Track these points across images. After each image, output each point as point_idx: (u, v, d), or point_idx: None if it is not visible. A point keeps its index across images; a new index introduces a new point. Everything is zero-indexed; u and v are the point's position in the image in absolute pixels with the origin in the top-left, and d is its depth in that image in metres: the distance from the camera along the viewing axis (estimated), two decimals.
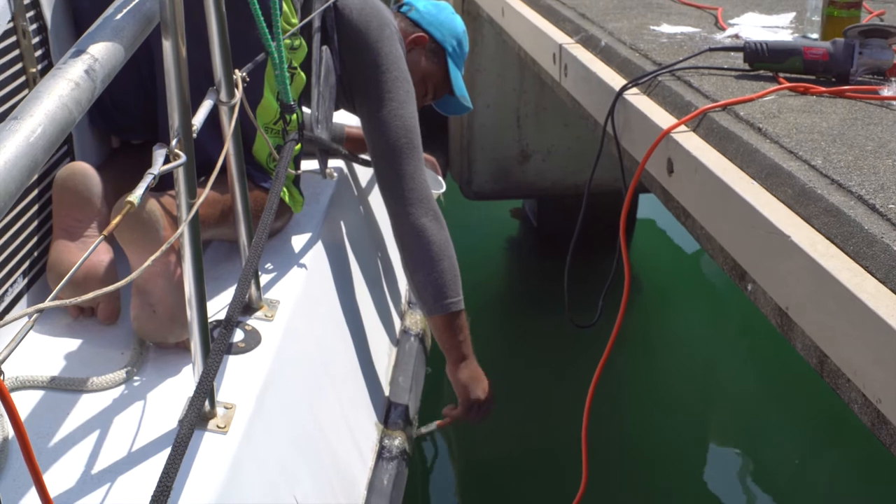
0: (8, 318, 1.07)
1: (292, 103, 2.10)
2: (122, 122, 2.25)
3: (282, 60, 1.98)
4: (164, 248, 1.29)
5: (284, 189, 2.24)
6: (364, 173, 2.99)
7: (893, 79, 2.26)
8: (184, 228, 1.52)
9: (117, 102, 2.19)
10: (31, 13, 2.00)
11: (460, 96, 2.82)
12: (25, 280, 1.91)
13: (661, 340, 4.84)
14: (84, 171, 1.92)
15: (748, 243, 1.70)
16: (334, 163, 2.76)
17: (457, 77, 2.79)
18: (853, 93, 2.15)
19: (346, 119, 3.05)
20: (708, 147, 1.94)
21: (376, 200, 2.95)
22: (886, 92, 2.14)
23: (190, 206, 1.53)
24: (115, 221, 1.21)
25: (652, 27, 2.90)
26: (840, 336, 1.41)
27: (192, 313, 1.60)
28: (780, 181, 1.70)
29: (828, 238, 1.52)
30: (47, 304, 1.08)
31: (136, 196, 1.25)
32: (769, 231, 1.59)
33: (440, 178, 2.95)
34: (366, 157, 2.67)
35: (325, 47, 2.36)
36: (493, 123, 5.21)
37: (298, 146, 2.24)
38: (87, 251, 1.18)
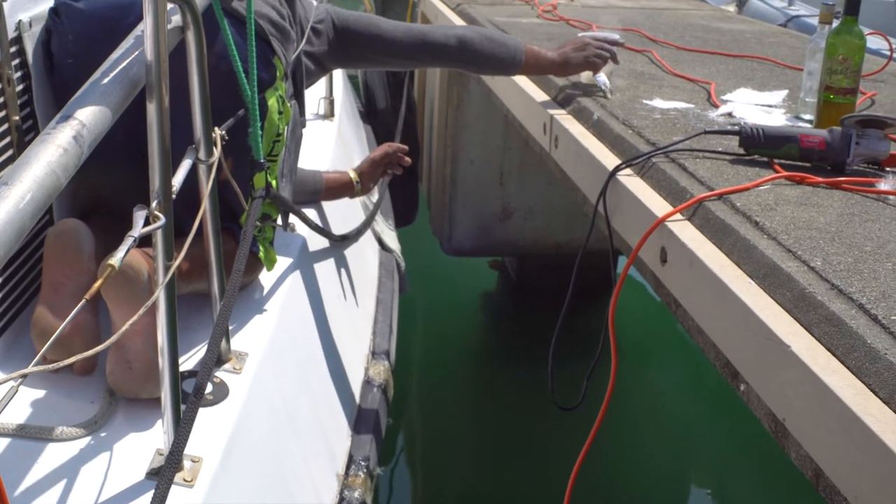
0: None
1: (262, 161, 2.10)
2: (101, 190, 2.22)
3: (255, 117, 2.00)
4: (140, 312, 1.31)
5: (262, 247, 2.25)
6: (333, 223, 2.97)
7: (889, 170, 2.24)
8: (160, 293, 1.53)
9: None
10: (16, 61, 2.00)
11: None
12: None
13: (640, 398, 4.81)
14: (77, 227, 1.92)
15: (743, 344, 1.66)
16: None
17: None
18: (849, 184, 2.12)
19: (323, 159, 3.11)
20: (704, 239, 1.90)
21: (344, 252, 2.95)
22: (883, 185, 2.12)
23: (167, 269, 1.53)
24: (97, 285, 1.23)
25: (645, 101, 2.87)
26: (841, 456, 1.36)
27: (163, 368, 1.61)
28: (779, 283, 1.66)
29: (829, 350, 1.47)
30: (31, 369, 1.12)
31: (116, 259, 1.26)
32: (767, 337, 1.55)
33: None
34: (322, 223, 2.77)
35: (294, 101, 2.36)
36: (475, 180, 5.18)
37: (276, 213, 2.28)
38: (71, 313, 1.20)
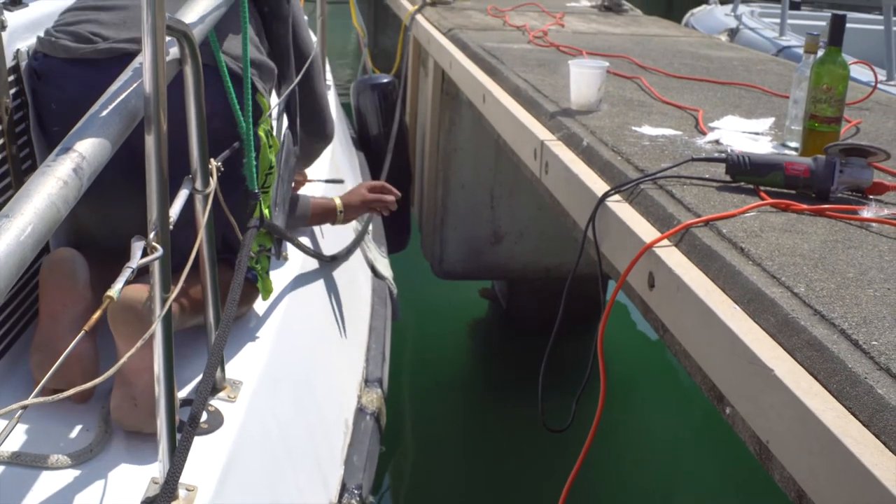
0: None
1: (257, 191, 2.13)
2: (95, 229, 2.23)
3: (250, 148, 2.03)
4: (138, 345, 1.32)
5: (259, 277, 2.27)
6: (326, 249, 3.00)
7: (872, 197, 2.28)
8: (157, 326, 1.54)
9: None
10: (13, 90, 2.02)
11: None
12: None
13: (628, 420, 4.83)
14: (72, 257, 1.93)
15: (728, 368, 1.69)
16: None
17: None
18: (833, 212, 2.17)
19: (316, 187, 3.15)
20: (690, 265, 1.94)
21: (337, 279, 2.97)
22: (866, 213, 2.16)
23: (164, 301, 1.54)
24: (95, 316, 1.24)
25: (633, 127, 2.91)
26: (822, 478, 1.39)
27: (159, 397, 1.62)
28: (763, 308, 1.70)
29: (811, 374, 1.51)
30: (31, 400, 1.15)
31: (115, 291, 1.27)
32: (751, 361, 1.58)
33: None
34: (314, 248, 2.80)
35: (287, 131, 2.39)
36: (466, 203, 5.23)
37: (270, 242, 2.30)
38: (69, 341, 1.24)
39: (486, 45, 4.52)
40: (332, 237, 3.12)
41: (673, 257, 1.99)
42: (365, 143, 4.85)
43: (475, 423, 4.88)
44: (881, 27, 5.94)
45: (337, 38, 12.46)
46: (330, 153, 3.68)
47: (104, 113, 1.41)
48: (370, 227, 3.65)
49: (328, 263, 2.95)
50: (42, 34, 2.11)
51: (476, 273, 5.46)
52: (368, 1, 10.87)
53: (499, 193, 5.26)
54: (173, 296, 1.53)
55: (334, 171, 3.64)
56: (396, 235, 4.55)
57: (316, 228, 2.99)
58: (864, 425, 1.38)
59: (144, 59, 1.44)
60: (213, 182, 1.80)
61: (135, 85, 1.49)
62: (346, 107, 5.16)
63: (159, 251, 1.45)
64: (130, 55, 1.77)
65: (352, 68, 12.08)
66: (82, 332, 1.23)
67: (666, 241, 2.05)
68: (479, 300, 5.93)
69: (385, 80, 4.87)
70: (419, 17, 5.80)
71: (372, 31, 10.28)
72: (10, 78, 2.00)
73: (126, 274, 1.32)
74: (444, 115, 5.16)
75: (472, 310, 5.93)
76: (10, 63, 2.00)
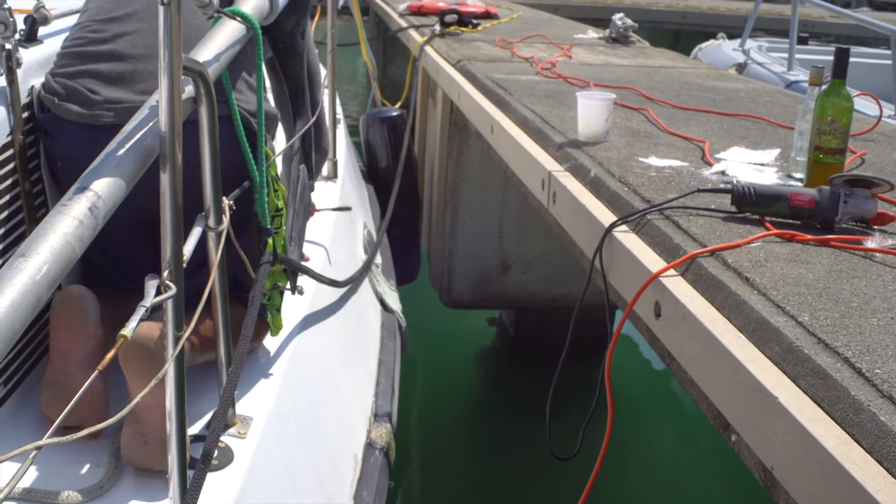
0: (7, 455, 1.10)
1: (269, 227, 2.14)
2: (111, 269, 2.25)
3: (262, 184, 2.04)
4: (151, 384, 1.32)
5: (270, 314, 2.28)
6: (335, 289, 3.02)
7: (877, 228, 2.30)
8: (169, 366, 1.54)
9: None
10: (27, 126, 2.04)
11: None
12: (7, 387, 1.95)
13: (635, 448, 4.83)
14: (82, 294, 1.94)
15: (734, 396, 1.71)
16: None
17: None
18: (838, 242, 2.19)
19: (326, 221, 3.15)
20: (696, 294, 1.96)
21: (346, 314, 2.98)
22: (870, 243, 2.18)
23: (177, 339, 1.54)
24: (109, 356, 1.24)
25: (640, 158, 2.94)
26: None
27: (171, 434, 1.61)
28: (768, 337, 1.72)
29: (815, 401, 1.54)
30: (45, 441, 1.14)
31: (129, 330, 1.27)
32: (756, 389, 1.61)
33: None
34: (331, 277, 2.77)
35: (302, 166, 2.39)
36: (474, 233, 5.26)
37: (284, 281, 2.31)
38: (79, 378, 1.22)
39: (494, 76, 4.56)
40: (341, 268, 3.13)
41: (679, 287, 2.01)
42: (374, 175, 4.89)
43: (484, 455, 4.87)
44: (890, 62, 5.96)
45: (346, 67, 12.55)
46: (339, 186, 3.71)
47: (120, 152, 1.42)
48: (378, 258, 3.67)
49: (337, 298, 2.96)
50: (44, 80, 2.11)
51: (484, 302, 5.49)
52: (378, 36, 10.97)
53: (507, 223, 5.29)
54: (186, 334, 1.53)
55: (343, 203, 3.67)
56: (406, 267, 4.58)
57: (326, 263, 3.00)
58: (867, 451, 1.40)
59: (160, 98, 1.44)
60: (226, 220, 1.81)
61: (150, 124, 1.49)
62: (355, 140, 5.19)
63: (173, 290, 1.45)
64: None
65: (361, 100, 12.15)
66: (96, 371, 1.23)
67: (672, 271, 2.08)
68: (488, 329, 5.95)
69: (394, 114, 4.91)
70: (428, 48, 5.85)
71: (381, 61, 10.36)
72: (25, 114, 2.02)
73: (140, 313, 1.32)
74: (453, 145, 5.20)
75: (480, 339, 5.94)
76: (24, 100, 2.02)
